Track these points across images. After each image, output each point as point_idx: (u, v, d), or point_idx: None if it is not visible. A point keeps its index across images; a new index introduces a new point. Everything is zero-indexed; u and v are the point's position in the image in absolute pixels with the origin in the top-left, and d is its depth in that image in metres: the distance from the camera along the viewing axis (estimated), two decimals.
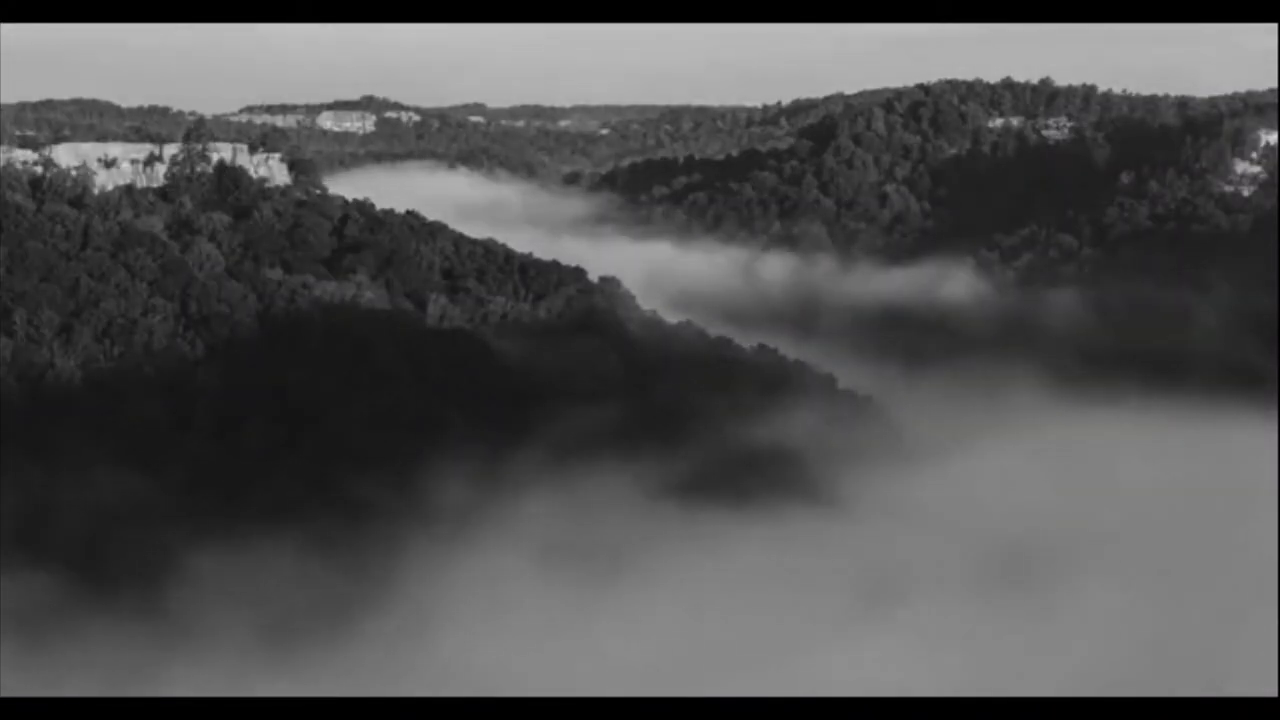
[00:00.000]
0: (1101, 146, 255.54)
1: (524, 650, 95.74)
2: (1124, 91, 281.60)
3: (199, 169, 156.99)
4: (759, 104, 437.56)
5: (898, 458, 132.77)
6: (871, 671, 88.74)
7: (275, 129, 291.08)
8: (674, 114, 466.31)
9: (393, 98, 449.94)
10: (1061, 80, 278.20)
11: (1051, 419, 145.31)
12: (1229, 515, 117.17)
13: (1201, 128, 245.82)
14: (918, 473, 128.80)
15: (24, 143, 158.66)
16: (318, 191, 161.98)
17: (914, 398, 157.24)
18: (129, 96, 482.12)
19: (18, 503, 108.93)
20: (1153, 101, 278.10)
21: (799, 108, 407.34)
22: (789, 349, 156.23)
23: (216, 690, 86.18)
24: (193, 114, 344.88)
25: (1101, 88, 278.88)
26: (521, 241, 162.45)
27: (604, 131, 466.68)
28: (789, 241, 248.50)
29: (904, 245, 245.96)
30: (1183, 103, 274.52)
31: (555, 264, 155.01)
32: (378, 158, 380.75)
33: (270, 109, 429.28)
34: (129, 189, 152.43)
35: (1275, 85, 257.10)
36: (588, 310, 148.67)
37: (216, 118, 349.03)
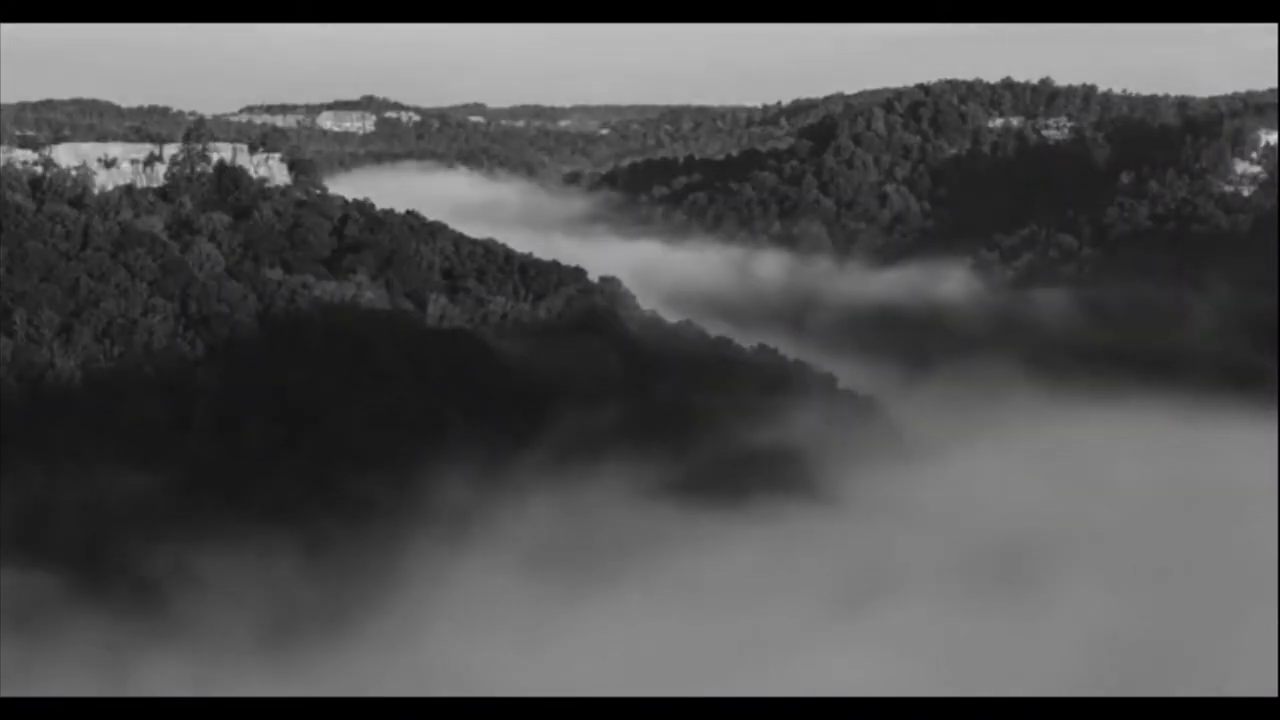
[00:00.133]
0: (1101, 146, 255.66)
1: (522, 650, 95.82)
2: (1124, 91, 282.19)
3: (199, 169, 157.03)
4: (759, 104, 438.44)
5: (897, 457, 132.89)
6: (871, 671, 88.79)
7: (275, 129, 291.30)
8: (674, 114, 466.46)
9: (393, 98, 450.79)
10: (1061, 80, 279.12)
11: (1051, 418, 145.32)
12: (1228, 515, 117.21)
13: (1201, 128, 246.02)
14: (917, 472, 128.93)
15: (24, 143, 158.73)
16: (318, 191, 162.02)
17: (913, 397, 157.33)
18: (129, 96, 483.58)
19: (18, 503, 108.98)
20: (1153, 101, 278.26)
21: (799, 108, 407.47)
22: (784, 347, 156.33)
23: (216, 690, 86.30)
24: (193, 114, 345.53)
25: (1101, 88, 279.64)
26: (512, 240, 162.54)
27: (604, 131, 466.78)
28: (789, 241, 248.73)
29: (904, 245, 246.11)
30: (1183, 103, 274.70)
31: (555, 264, 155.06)
32: (378, 158, 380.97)
33: (270, 109, 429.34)
34: (129, 189, 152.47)
35: (1275, 85, 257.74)
36: (588, 310, 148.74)
37: (216, 118, 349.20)
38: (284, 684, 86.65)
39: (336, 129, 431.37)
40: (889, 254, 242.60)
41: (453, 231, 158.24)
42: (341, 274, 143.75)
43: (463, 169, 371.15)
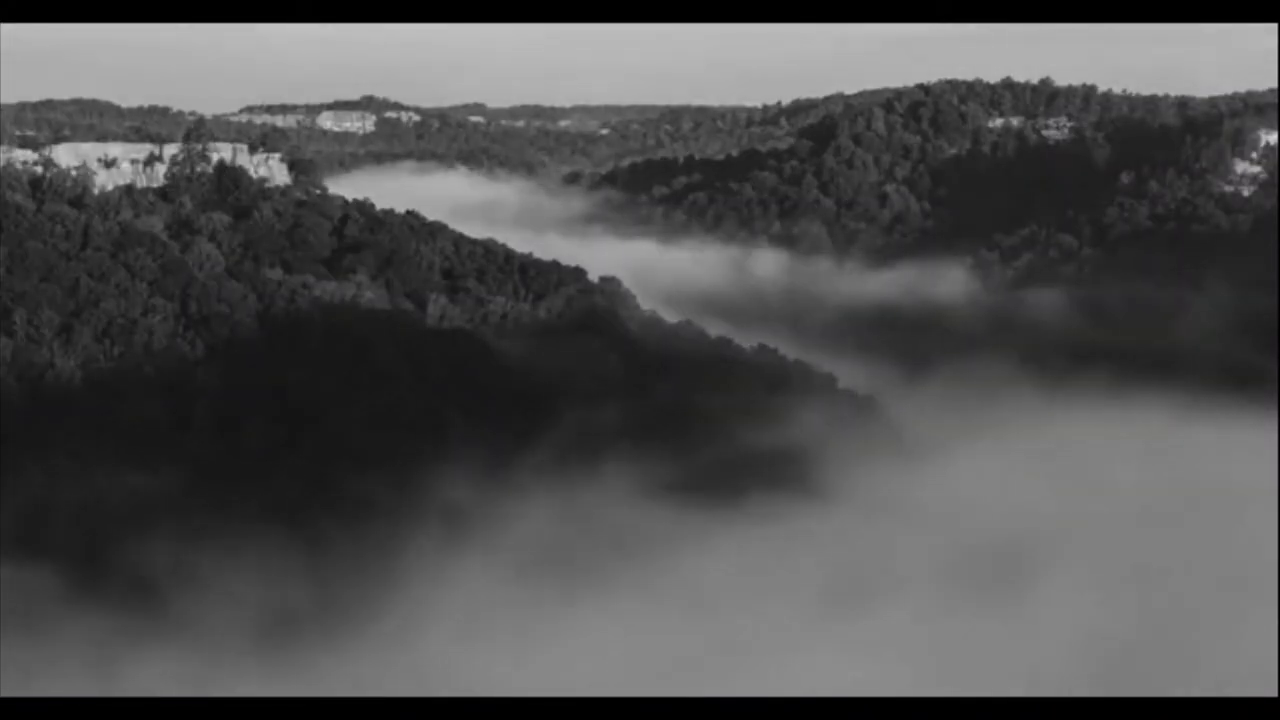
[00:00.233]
0: (1101, 146, 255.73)
1: (522, 650, 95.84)
2: (1124, 91, 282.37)
3: (199, 169, 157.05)
4: (759, 104, 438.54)
5: (897, 457, 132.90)
6: (871, 671, 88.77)
7: (275, 129, 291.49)
8: (674, 114, 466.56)
9: (393, 98, 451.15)
10: (1061, 80, 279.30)
11: (1050, 418, 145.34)
12: (1228, 515, 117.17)
13: (1201, 128, 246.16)
14: (916, 472, 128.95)
15: (24, 143, 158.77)
16: (318, 191, 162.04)
17: (912, 397, 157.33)
18: (129, 96, 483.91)
19: (18, 502, 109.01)
20: (1153, 101, 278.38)
21: (799, 108, 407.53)
22: (783, 347, 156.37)
23: (215, 690, 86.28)
24: (193, 114, 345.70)
25: (1101, 88, 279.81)
26: (512, 240, 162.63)
27: (604, 131, 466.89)
28: (789, 241, 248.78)
29: (904, 245, 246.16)
30: (1183, 103, 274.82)
31: (555, 264, 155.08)
32: (378, 158, 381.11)
33: (270, 109, 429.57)
34: (129, 189, 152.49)
35: (1275, 85, 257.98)
36: (588, 310, 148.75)
37: (216, 118, 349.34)
38: (283, 684, 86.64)
39: (336, 129, 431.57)
40: (889, 254, 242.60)
41: (453, 231, 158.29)
42: (341, 274, 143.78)
43: (463, 169, 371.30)
